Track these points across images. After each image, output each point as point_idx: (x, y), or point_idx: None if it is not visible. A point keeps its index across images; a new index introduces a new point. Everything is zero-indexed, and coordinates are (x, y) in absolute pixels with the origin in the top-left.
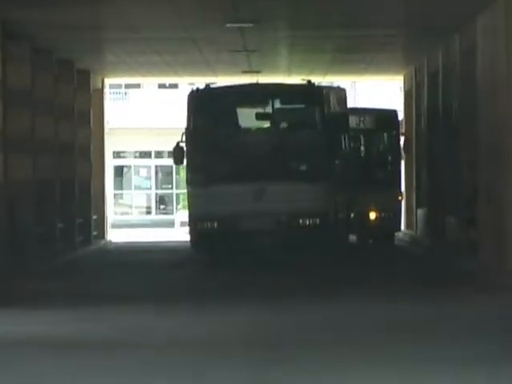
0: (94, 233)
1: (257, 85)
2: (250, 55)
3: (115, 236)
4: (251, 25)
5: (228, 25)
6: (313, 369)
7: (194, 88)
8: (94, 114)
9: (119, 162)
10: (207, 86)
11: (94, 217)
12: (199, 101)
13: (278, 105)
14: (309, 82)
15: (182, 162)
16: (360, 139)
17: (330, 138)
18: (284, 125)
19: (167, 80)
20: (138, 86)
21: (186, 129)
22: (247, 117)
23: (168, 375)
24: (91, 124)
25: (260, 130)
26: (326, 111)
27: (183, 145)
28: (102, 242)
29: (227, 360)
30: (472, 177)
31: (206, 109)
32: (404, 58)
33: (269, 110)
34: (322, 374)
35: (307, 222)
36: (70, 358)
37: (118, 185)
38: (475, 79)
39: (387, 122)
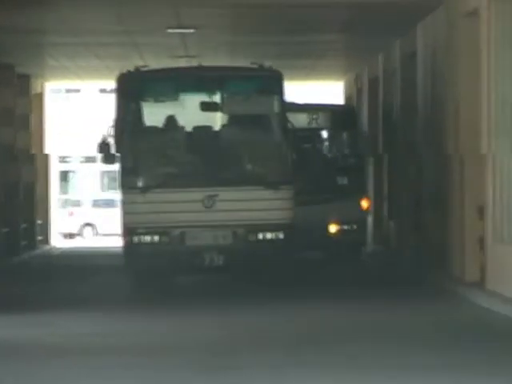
0: (39, 238)
1: (202, 67)
2: (191, 61)
3: (60, 241)
4: (192, 30)
5: (169, 30)
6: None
7: (125, 71)
8: (35, 118)
9: (65, 166)
10: (137, 68)
11: (39, 222)
12: (130, 86)
13: (229, 92)
14: (261, 66)
15: (112, 162)
16: (314, 140)
17: (290, 134)
18: (238, 117)
19: (108, 85)
20: (77, 90)
21: (115, 120)
22: (192, 106)
23: (118, 381)
24: (32, 128)
25: (208, 123)
26: (284, 102)
27: (111, 140)
28: (47, 247)
29: (176, 365)
30: (417, 182)
31: (139, 96)
32: (345, 64)
33: (217, 98)
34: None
35: (269, 236)
36: (16, 363)
37: (64, 190)
38: (415, 85)
39: (345, 119)
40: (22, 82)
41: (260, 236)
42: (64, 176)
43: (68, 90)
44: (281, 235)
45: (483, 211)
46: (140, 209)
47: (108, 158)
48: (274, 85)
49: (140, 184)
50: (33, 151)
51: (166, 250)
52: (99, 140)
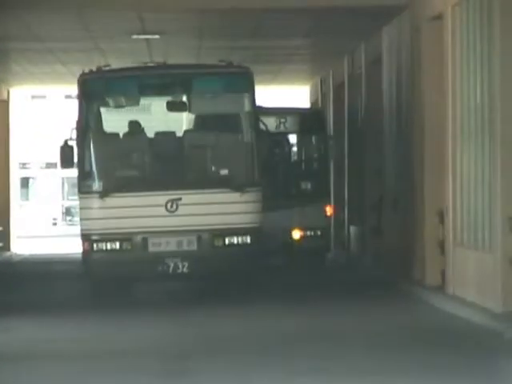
0: (0, 244)
1: (167, 66)
2: None
3: (21, 248)
4: (157, 36)
5: (134, 36)
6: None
7: (86, 70)
8: (0, 124)
9: (25, 172)
10: (99, 67)
11: (0, 228)
12: (91, 86)
13: (196, 91)
14: (230, 63)
15: (71, 165)
16: (281, 144)
17: (262, 134)
18: (205, 118)
19: (74, 90)
20: (43, 96)
21: (77, 122)
22: (156, 107)
23: None
24: None
25: (173, 123)
26: (255, 100)
27: (73, 143)
28: (8, 253)
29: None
30: (378, 185)
31: (101, 96)
32: (310, 68)
33: (184, 98)
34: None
35: (235, 241)
36: None
37: (24, 196)
38: (381, 90)
39: (313, 123)
40: None
41: (226, 241)
42: (25, 182)
43: (34, 96)
44: (248, 240)
45: (443, 215)
46: (99, 214)
47: (66, 162)
48: (244, 82)
49: (99, 188)
50: None
51: (127, 257)
52: (62, 143)
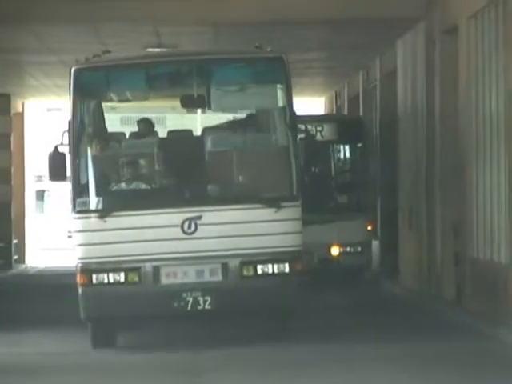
0: (15, 257)
1: (181, 52)
2: None
3: (36, 260)
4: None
5: (149, 49)
6: None
7: (82, 59)
8: (15, 137)
9: (41, 185)
10: (97, 56)
11: (15, 241)
12: (87, 79)
13: (219, 83)
14: (258, 47)
15: (63, 177)
16: (317, 153)
17: (297, 137)
18: (230, 116)
19: None
20: (59, 109)
21: (69, 124)
22: (169, 103)
23: None
24: (11, 148)
25: (190, 124)
26: (291, 94)
27: (65, 150)
28: (23, 266)
29: None
30: (392, 200)
31: (99, 90)
32: (325, 81)
33: (204, 91)
34: None
35: (270, 270)
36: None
37: (39, 209)
38: (396, 103)
39: (351, 131)
40: (2, 102)
41: (259, 270)
42: (40, 195)
43: (49, 109)
44: (286, 268)
45: (457, 227)
46: (100, 238)
47: (57, 173)
48: (279, 71)
49: (99, 205)
50: (12, 170)
51: (134, 291)
52: (51, 149)
